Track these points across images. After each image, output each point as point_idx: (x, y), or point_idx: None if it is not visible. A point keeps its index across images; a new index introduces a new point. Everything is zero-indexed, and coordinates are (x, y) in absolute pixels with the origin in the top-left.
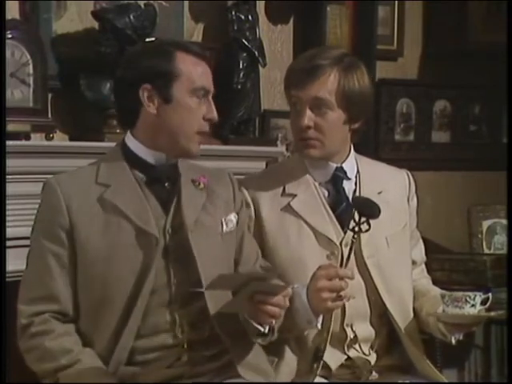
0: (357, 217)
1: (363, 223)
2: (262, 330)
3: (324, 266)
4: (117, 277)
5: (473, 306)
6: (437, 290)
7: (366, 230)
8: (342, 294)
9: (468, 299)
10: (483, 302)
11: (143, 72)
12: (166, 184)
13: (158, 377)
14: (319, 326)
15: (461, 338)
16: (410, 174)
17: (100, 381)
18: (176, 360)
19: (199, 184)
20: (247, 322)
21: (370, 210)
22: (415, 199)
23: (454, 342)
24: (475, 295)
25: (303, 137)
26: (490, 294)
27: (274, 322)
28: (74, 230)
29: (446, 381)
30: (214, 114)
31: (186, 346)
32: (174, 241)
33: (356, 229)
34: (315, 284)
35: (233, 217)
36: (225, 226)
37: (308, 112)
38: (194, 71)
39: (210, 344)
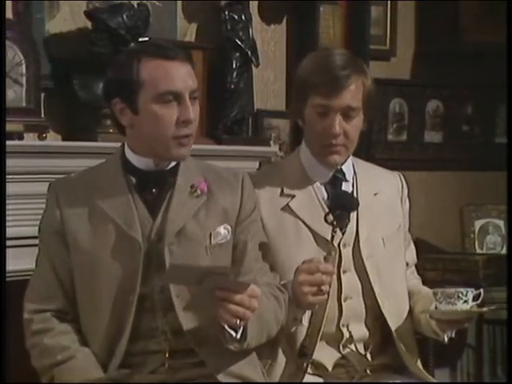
0: (336, 210)
1: (342, 216)
2: (234, 334)
3: (307, 260)
4: (104, 280)
5: (465, 301)
6: (428, 290)
7: (346, 225)
8: (322, 288)
9: (460, 295)
10: (475, 298)
11: (111, 86)
12: (154, 190)
13: (141, 381)
14: (304, 322)
15: (453, 335)
16: (402, 176)
17: (91, 379)
18: (160, 366)
19: (195, 190)
20: (219, 325)
21: (348, 202)
22: (408, 201)
23: (446, 339)
24: (467, 291)
25: (332, 143)
26: (481, 290)
27: (238, 322)
28: (66, 233)
29: (437, 381)
30: (188, 116)
31: (167, 355)
32: (157, 248)
33: (335, 223)
34: (297, 278)
35: (222, 229)
36: (213, 239)
37: (338, 119)
38: (157, 76)
39: (195, 353)
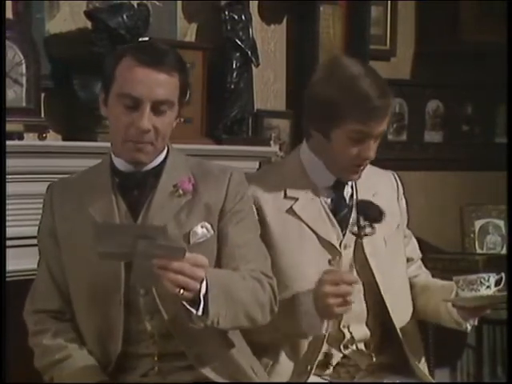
0: (361, 221)
1: (366, 227)
2: (194, 311)
3: (329, 270)
4: (90, 280)
5: (488, 287)
6: (439, 282)
7: (371, 234)
8: (347, 298)
9: (483, 281)
10: (497, 283)
11: (102, 76)
12: (135, 191)
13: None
14: (324, 331)
15: (476, 323)
16: (396, 174)
17: (89, 376)
18: (150, 369)
19: (177, 190)
20: (181, 304)
21: (373, 213)
22: (404, 200)
23: (469, 328)
24: (489, 276)
25: (361, 164)
26: (503, 274)
27: (182, 291)
28: (57, 235)
29: (437, 381)
30: (140, 125)
31: (156, 358)
32: None
33: (362, 233)
34: (321, 289)
35: (199, 228)
36: (191, 239)
37: (371, 144)
38: (125, 77)
39: (185, 356)
